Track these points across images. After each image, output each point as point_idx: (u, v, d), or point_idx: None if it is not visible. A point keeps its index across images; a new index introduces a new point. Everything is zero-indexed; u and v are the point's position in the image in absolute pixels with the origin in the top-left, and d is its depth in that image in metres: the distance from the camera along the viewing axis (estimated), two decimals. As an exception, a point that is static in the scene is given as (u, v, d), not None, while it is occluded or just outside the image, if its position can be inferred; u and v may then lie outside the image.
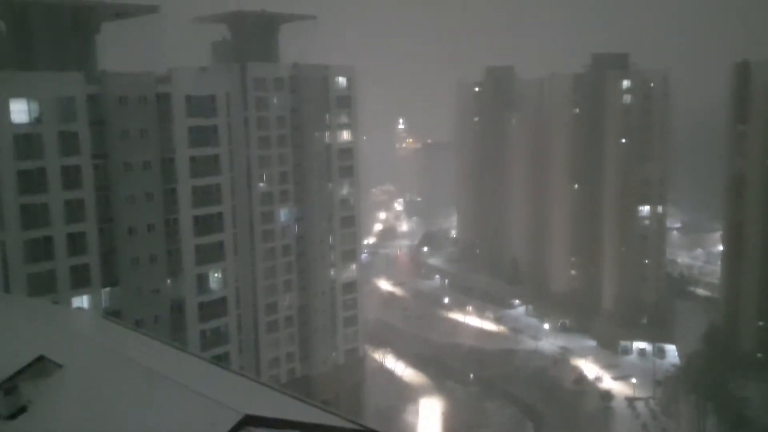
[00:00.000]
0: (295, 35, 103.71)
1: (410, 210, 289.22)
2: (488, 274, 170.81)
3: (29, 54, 59.21)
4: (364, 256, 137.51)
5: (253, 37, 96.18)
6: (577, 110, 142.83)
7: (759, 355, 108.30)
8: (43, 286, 54.32)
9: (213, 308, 65.16)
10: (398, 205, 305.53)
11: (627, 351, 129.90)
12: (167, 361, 23.22)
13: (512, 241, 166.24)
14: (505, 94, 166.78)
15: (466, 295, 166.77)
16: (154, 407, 18.65)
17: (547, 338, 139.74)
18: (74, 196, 56.15)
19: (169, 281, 61.93)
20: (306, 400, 20.36)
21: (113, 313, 55.15)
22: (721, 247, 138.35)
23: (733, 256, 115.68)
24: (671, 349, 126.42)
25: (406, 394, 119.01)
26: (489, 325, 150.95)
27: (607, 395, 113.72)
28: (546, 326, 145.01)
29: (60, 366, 19.68)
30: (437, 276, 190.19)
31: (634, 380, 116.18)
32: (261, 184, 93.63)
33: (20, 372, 19.08)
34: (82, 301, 56.68)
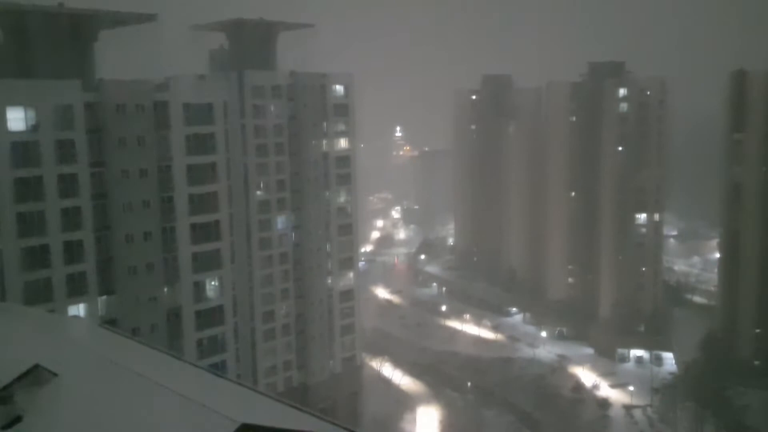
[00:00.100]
0: (293, 44, 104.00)
1: (407, 218, 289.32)
2: (486, 281, 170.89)
3: (27, 62, 59.19)
4: (361, 264, 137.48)
5: (251, 46, 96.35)
6: (574, 118, 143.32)
7: (756, 362, 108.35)
8: (39, 294, 54.12)
9: (210, 316, 64.98)
10: (395, 213, 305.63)
11: (624, 359, 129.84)
12: (164, 370, 23.14)
13: (509, 248, 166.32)
14: (502, 103, 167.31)
15: (464, 302, 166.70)
16: (151, 416, 18.58)
17: (544, 346, 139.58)
18: (71, 204, 56.03)
19: (165, 289, 61.77)
20: (303, 408, 20.32)
21: (110, 322, 55.02)
22: (717, 255, 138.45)
23: (729, 264, 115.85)
24: (668, 357, 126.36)
25: (404, 403, 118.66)
26: (486, 333, 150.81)
27: (604, 403, 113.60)
28: (543, 334, 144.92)
29: (56, 375, 19.61)
30: (434, 284, 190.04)
31: (631, 388, 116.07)
32: (258, 192, 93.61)
33: (15, 381, 18.99)
34: (78, 310, 56.48)
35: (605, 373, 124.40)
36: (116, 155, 58.09)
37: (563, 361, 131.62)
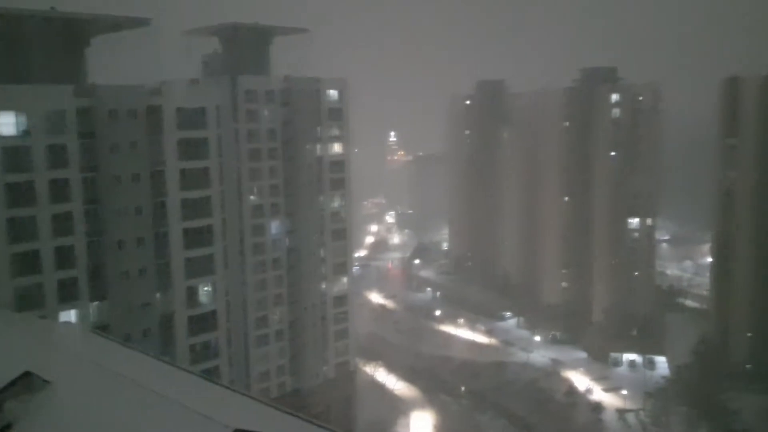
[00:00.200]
0: (288, 48, 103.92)
1: (402, 222, 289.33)
2: (479, 286, 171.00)
3: (19, 67, 58.91)
4: (355, 269, 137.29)
5: (244, 50, 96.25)
6: (567, 124, 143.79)
7: (748, 366, 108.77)
8: (30, 300, 53.71)
9: (203, 322, 64.69)
10: (390, 218, 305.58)
11: (617, 363, 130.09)
12: (157, 376, 23.02)
13: (503, 253, 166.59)
14: (496, 108, 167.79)
15: (458, 307, 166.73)
16: (144, 422, 18.47)
17: (538, 350, 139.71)
18: (63, 209, 55.71)
19: (158, 295, 61.46)
20: (297, 414, 20.25)
21: (102, 328, 54.74)
22: (710, 259, 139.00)
23: (722, 268, 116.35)
24: (661, 361, 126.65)
25: (398, 408, 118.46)
26: (480, 338, 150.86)
27: (597, 407, 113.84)
28: (537, 338, 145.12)
29: (47, 382, 19.46)
30: (429, 288, 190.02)
31: (624, 392, 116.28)
32: (251, 197, 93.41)
33: (6, 389, 18.84)
34: (69, 316, 56.10)
35: (598, 377, 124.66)
36: (109, 160, 57.85)
37: (557, 365, 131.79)
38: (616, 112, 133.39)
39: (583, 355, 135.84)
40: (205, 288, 65.28)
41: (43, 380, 19.63)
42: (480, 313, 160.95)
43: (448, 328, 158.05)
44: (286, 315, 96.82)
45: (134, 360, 25.49)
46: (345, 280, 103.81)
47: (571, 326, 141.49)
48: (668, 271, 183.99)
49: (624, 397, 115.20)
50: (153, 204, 60.53)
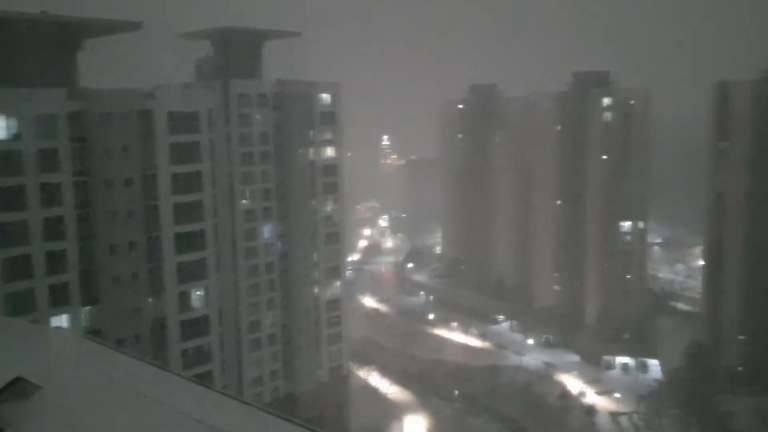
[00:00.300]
0: (280, 52, 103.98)
1: (395, 226, 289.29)
2: (473, 289, 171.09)
3: (10, 70, 58.65)
4: (348, 272, 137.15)
5: (237, 54, 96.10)
6: (560, 128, 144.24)
7: (740, 368, 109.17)
8: (21, 305, 53.44)
9: (195, 326, 64.48)
10: (383, 222, 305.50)
11: (610, 366, 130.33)
12: (149, 381, 22.90)
13: (496, 257, 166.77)
14: (488, 112, 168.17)
15: (451, 311, 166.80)
16: (136, 427, 18.37)
17: (531, 353, 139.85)
18: (54, 213, 55.49)
19: (150, 299, 61.26)
20: (290, 418, 20.17)
21: (94, 333, 54.42)
22: (701, 262, 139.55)
23: (713, 271, 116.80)
24: (654, 364, 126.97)
25: (391, 412, 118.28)
26: (474, 341, 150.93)
27: (590, 410, 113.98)
28: (530, 341, 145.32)
29: (39, 387, 19.35)
30: (422, 292, 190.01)
31: (617, 395, 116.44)
32: (244, 201, 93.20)
33: (-3, 394, 18.71)
34: (61, 321, 55.84)
35: (591, 381, 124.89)
36: (101, 164, 57.66)
37: (550, 368, 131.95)
38: (608, 116, 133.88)
39: (576, 358, 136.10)
40: (198, 292, 65.08)
41: (34, 385, 19.50)
42: (473, 317, 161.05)
43: (441, 332, 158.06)
44: (279, 319, 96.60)
45: (126, 365, 25.32)
46: (338, 284, 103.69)
47: (564, 329, 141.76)
48: (660, 275, 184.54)
49: (617, 400, 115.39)
50: (145, 208, 60.36)
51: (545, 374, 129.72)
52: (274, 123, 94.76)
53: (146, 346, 59.88)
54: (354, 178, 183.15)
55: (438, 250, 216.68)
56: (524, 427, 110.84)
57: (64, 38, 62.07)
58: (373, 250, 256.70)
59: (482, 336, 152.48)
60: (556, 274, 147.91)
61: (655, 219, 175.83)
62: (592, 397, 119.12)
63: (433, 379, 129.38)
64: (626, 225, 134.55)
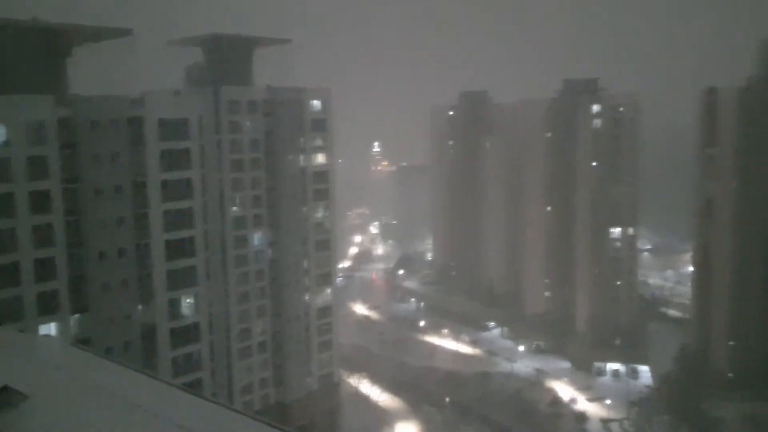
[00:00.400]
0: (271, 59, 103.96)
1: (385, 233, 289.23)
2: (464, 296, 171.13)
3: (-1, 77, 58.44)
4: (339, 279, 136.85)
5: (227, 61, 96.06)
6: (550, 134, 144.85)
7: (730, 374, 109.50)
8: (9, 313, 53.01)
9: (185, 334, 64.15)
10: (373, 228, 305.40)
11: (601, 372, 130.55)
12: (138, 389, 22.72)
13: (487, 263, 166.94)
14: (478, 118, 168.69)
15: (442, 317, 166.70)
16: (124, 437, 18.21)
17: (522, 360, 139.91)
18: (43, 220, 55.16)
19: (140, 307, 60.94)
20: (280, 426, 20.04)
21: (83, 341, 54.11)
22: (691, 268, 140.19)
23: (703, 277, 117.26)
24: (644, 370, 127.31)
25: (382, 419, 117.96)
26: (464, 348, 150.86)
27: (581, 417, 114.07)
28: (521, 348, 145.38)
29: (26, 397, 19.16)
30: (413, 299, 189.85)
31: (608, 401, 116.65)
32: (234, 208, 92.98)
33: (-16, 403, 18.49)
34: (49, 329, 55.43)
35: (582, 387, 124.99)
36: (90, 171, 57.40)
37: (541, 375, 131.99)
38: (597, 122, 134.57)
39: (566, 364, 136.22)
40: (188, 300, 64.78)
41: (21, 395, 19.30)
42: (464, 323, 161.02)
43: (432, 339, 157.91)
44: (269, 327, 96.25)
45: (115, 373, 25.09)
46: (329, 291, 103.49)
47: (555, 336, 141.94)
48: (650, 281, 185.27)
49: (608, 406, 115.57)
50: (135, 215, 60.10)
51: (536, 381, 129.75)
52: (264, 130, 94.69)
53: (136, 354, 59.53)
54: (345, 184, 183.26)
55: (429, 256, 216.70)
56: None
57: (54, 45, 61.86)
58: (364, 256, 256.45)
59: (473, 343, 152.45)
60: (546, 281, 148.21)
61: (645, 225, 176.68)
62: (583, 404, 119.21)
63: (424, 386, 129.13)
64: (616, 231, 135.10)
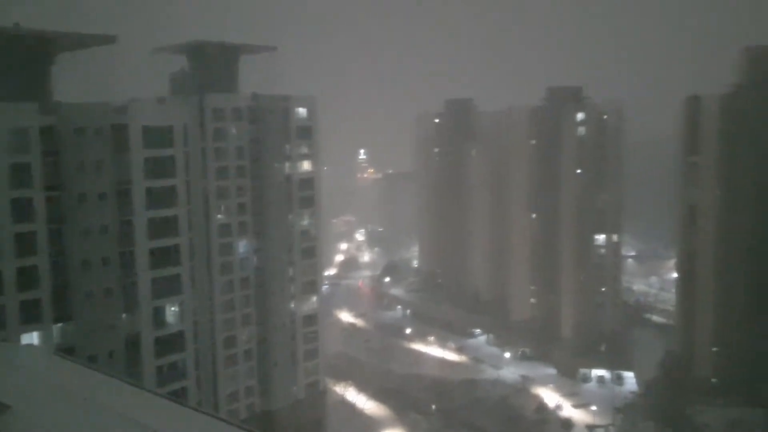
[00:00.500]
0: (256, 66, 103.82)
1: (372, 240, 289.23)
2: (450, 303, 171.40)
3: (-19, 84, 57.94)
4: (324, 287, 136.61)
5: (212, 68, 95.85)
6: (534, 142, 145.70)
7: (714, 380, 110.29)
8: (-9, 322, 52.44)
9: (170, 343, 63.64)
10: (359, 236, 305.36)
11: (586, 378, 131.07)
12: (122, 398, 22.52)
13: (473, 270, 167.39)
14: (464, 126, 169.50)
15: (428, 325, 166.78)
16: (107, 447, 18.05)
17: (508, 367, 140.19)
18: (26, 229, 54.61)
19: (124, 315, 60.39)
20: (265, 436, 19.98)
21: (66, 350, 53.50)
22: (675, 275, 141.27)
23: (686, 284, 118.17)
24: (629, 376, 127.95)
25: (368, 427, 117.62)
26: (451, 355, 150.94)
27: (567, 423, 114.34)
28: (507, 355, 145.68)
29: (8, 407, 18.96)
30: (399, 306, 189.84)
31: (593, 408, 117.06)
32: (219, 216, 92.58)
33: (-35, 413, 18.27)
34: (32, 338, 54.84)
35: (568, 394, 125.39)
36: (74, 179, 56.94)
37: (526, 381, 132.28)
38: (581, 130, 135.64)
39: (552, 371, 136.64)
40: (173, 308, 64.34)
41: (3, 405, 19.09)
42: (450, 331, 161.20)
43: (418, 346, 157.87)
44: (254, 335, 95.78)
45: (99, 382, 24.89)
46: (314, 299, 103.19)
47: (541, 342, 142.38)
48: (635, 287, 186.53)
49: (593, 412, 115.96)
50: (119, 223, 59.62)
51: (522, 387, 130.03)
52: (249, 137, 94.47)
53: (120, 363, 58.98)
54: (330, 192, 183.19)
55: (415, 263, 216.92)
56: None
57: (37, 52, 61.43)
58: (350, 264, 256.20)
59: (459, 350, 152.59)
60: (532, 287, 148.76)
61: (629, 232, 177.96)
62: (568, 410, 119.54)
63: (410, 394, 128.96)
64: (601, 238, 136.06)
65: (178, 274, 64.21)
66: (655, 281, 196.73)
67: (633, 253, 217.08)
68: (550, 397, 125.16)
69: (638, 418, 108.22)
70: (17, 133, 54.58)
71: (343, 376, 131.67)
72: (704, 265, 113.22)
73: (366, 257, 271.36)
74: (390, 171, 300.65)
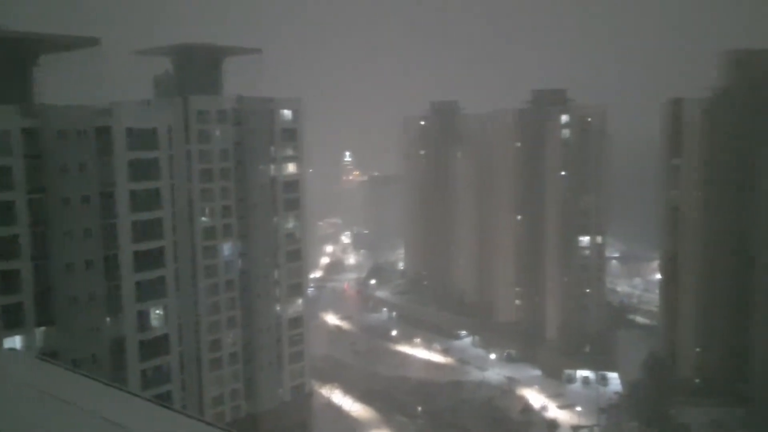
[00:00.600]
0: (241, 69, 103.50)
1: (357, 243, 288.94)
2: (435, 305, 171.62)
3: (-38, 86, 57.41)
4: (310, 290, 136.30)
5: (196, 70, 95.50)
6: (519, 144, 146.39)
7: (697, 380, 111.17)
8: (-27, 326, 51.92)
9: (154, 346, 63.33)
10: (345, 238, 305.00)
11: (571, 379, 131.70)
12: (107, 402, 22.39)
13: (458, 272, 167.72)
14: (449, 129, 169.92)
15: (414, 327, 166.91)
16: (91, 452, 17.97)
17: (493, 368, 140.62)
18: (8, 232, 54.16)
19: (108, 319, 60.02)
20: (250, 439, 19.96)
21: (50, 354, 53.02)
22: (658, 276, 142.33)
23: (670, 285, 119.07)
24: (614, 377, 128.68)
25: (354, 430, 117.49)
26: (436, 357, 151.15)
27: (552, 424, 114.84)
28: (492, 356, 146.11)
29: (-11, 411, 18.80)
30: (385, 309, 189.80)
31: (578, 409, 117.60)
32: (204, 218, 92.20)
33: (-54, 419, 18.12)
34: (14, 342, 54.33)
35: (553, 395, 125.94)
36: (57, 182, 56.52)
37: (512, 383, 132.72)
38: (565, 133, 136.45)
39: (537, 372, 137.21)
40: (157, 311, 64.02)
41: (-16, 410, 18.93)
42: (436, 333, 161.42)
43: (404, 348, 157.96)
44: (239, 338, 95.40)
45: (83, 386, 24.68)
46: (300, 301, 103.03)
47: (526, 344, 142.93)
48: (619, 288, 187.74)
49: (578, 413, 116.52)
50: (103, 226, 59.26)
51: (507, 389, 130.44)
52: (234, 139, 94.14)
53: (104, 366, 58.58)
54: (316, 194, 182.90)
55: (401, 266, 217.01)
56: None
57: (20, 54, 60.96)
58: (336, 266, 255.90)
59: (445, 351, 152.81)
60: (517, 289, 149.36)
61: (613, 234, 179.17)
62: (553, 411, 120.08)
63: (396, 396, 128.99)
64: (585, 240, 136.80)
65: (163, 276, 63.93)
66: (639, 282, 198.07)
67: (617, 255, 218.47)
68: (535, 398, 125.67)
69: (623, 418, 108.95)
70: (-1, 136, 54.11)
71: (329, 379, 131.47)
72: (687, 266, 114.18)
73: (352, 260, 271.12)
74: (376, 173, 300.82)
